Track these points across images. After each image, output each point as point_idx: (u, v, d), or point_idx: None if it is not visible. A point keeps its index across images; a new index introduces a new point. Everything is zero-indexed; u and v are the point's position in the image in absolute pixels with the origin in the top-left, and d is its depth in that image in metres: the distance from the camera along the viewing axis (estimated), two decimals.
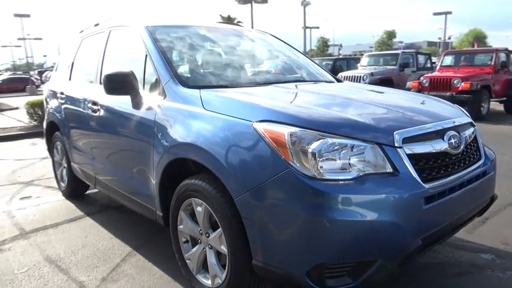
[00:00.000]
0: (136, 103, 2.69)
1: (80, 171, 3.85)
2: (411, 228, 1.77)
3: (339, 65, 16.61)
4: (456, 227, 2.19)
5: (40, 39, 45.56)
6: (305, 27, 44.30)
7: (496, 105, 11.56)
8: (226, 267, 2.10)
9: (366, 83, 12.40)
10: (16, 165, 6.17)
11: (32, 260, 2.95)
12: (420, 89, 10.89)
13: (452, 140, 2.04)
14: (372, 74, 12.63)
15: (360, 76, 12.69)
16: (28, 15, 26.85)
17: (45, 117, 4.70)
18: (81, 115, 3.59)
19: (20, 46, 52.43)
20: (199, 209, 2.24)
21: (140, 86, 2.73)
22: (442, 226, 1.95)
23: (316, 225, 1.70)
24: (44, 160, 6.16)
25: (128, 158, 2.93)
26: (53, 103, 4.33)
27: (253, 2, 28.68)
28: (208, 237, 2.24)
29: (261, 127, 1.87)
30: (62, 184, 4.49)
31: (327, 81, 3.21)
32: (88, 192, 4.47)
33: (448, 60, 12.03)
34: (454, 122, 2.17)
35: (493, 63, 10.74)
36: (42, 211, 4.04)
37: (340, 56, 33.21)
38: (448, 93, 10.16)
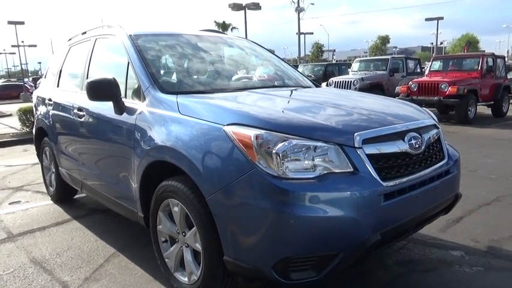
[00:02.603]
0: (119, 109, 2.80)
1: (68, 175, 3.94)
2: (370, 223, 1.88)
3: (330, 70, 16.82)
4: (419, 223, 2.31)
5: (34, 46, 45.54)
6: (299, 33, 44.60)
7: (485, 109, 11.77)
8: (201, 264, 2.20)
9: (356, 88, 12.58)
10: (7, 171, 6.25)
11: (18, 262, 3.04)
12: (409, 94, 11.09)
13: (413, 141, 2.16)
14: (362, 79, 12.81)
15: (351, 81, 12.86)
16: (22, 23, 26.90)
17: (35, 123, 4.80)
18: (67, 121, 3.69)
19: (14, 53, 52.49)
20: (175, 209, 2.34)
21: (122, 92, 2.84)
22: (403, 222, 2.06)
23: (280, 221, 1.81)
24: (35, 166, 6.23)
25: (111, 161, 3.03)
26: (42, 109, 4.43)
27: (246, 8, 28.91)
28: (184, 236, 2.34)
29: (230, 130, 1.99)
30: (51, 189, 4.58)
31: (304, 87, 3.34)
32: (76, 196, 4.55)
33: (437, 65, 12.24)
34: (415, 124, 2.29)
35: (479, 68, 10.95)
36: (31, 215, 4.12)
37: (333, 62, 33.48)
38: (435, 98, 10.36)
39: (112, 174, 3.01)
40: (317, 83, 11.02)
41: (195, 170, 2.09)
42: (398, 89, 11.64)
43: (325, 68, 16.57)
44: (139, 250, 3.13)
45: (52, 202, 4.51)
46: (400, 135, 2.15)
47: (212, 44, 3.45)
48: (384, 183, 1.94)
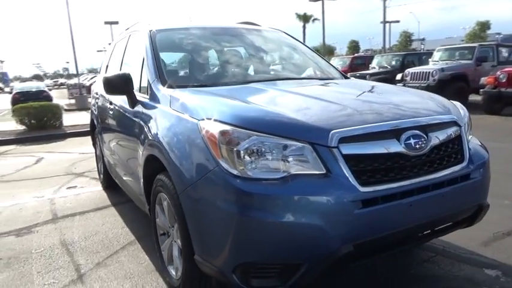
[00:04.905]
0: (131, 102, 2.88)
1: (108, 164, 4.20)
2: (339, 232, 1.67)
3: (410, 61, 15.60)
4: (419, 237, 2.00)
5: None
6: (384, 22, 42.21)
7: None
8: (182, 261, 2.17)
9: (435, 79, 11.52)
10: (78, 158, 6.90)
11: (50, 243, 3.32)
12: (496, 85, 9.84)
13: (412, 141, 1.87)
14: (442, 70, 11.66)
15: (429, 72, 11.78)
16: (116, 22, 29.45)
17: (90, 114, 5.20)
18: (104, 113, 3.93)
19: None
20: (165, 203, 2.34)
21: (136, 86, 2.91)
22: (389, 233, 1.80)
23: (237, 224, 1.69)
24: None
25: (128, 153, 3.14)
26: (93, 102, 4.78)
27: None
28: (173, 231, 2.33)
29: (203, 125, 1.91)
30: (101, 176, 4.94)
31: (323, 79, 3.09)
32: None
33: None
34: (420, 121, 1.97)
35: None
36: (79, 200, 4.49)
37: (422, 51, 30.97)
38: None
39: (129, 166, 3.13)
40: (393, 74, 10.38)
41: (172, 166, 2.06)
42: (483, 80, 10.38)
43: (404, 58, 15.36)
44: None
45: (102, 189, 4.85)
46: (394, 134, 1.87)
47: (233, 37, 3.36)
48: (362, 189, 1.71)
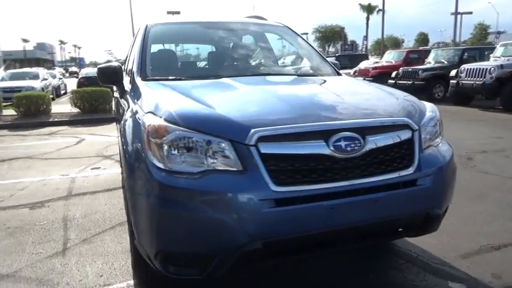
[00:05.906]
0: (120, 92, 3.08)
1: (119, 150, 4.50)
2: (246, 229, 1.70)
3: (470, 56, 14.47)
4: (346, 241, 1.96)
5: None
6: (456, 13, 39.45)
7: None
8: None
9: (492, 77, 10.64)
10: (112, 142, 7.34)
11: (54, 217, 3.65)
12: None
13: (342, 143, 1.83)
14: (501, 67, 10.71)
15: (486, 69, 10.89)
16: (178, 12, 30.58)
17: None
18: (116, 101, 4.20)
19: None
20: None
21: (127, 77, 3.10)
22: (304, 235, 1.79)
23: (155, 215, 1.79)
24: None
25: (120, 142, 3.36)
26: (114, 90, 5.12)
27: None
28: None
29: (144, 118, 2.02)
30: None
31: (306, 75, 3.05)
32: None
33: None
34: (354, 123, 1.91)
35: None
36: (96, 180, 4.85)
37: (495, 45, 28.53)
38: None
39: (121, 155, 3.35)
40: (448, 70, 9.93)
41: (122, 155, 2.20)
42: None
43: (462, 53, 14.28)
44: None
45: (120, 172, 5.19)
46: (322, 135, 1.83)
47: (224, 32, 3.41)
48: (275, 188, 1.72)
